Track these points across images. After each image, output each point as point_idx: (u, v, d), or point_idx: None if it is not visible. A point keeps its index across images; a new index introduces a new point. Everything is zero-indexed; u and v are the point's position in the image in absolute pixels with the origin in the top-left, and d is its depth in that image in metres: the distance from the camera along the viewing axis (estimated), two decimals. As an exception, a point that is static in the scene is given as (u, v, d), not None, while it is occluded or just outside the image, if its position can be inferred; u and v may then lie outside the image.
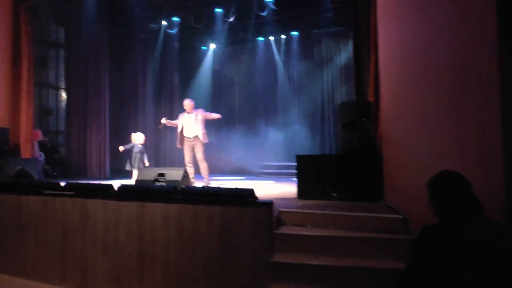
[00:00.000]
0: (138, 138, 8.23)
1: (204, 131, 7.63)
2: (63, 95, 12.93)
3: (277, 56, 13.26)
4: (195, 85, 14.41)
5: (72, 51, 11.58)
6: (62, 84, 12.97)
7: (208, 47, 14.20)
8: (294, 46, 13.00)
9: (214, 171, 9.99)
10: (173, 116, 13.65)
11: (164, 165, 12.62)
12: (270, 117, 13.33)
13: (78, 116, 11.45)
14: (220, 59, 14.24)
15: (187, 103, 7.74)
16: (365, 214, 4.03)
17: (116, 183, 4.96)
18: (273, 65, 13.39)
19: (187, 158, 7.59)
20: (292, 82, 13.25)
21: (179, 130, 7.64)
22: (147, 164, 8.10)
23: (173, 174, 5.62)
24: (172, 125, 7.91)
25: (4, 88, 8.43)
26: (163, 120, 7.82)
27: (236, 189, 4.29)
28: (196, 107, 7.85)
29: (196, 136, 7.58)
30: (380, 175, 4.81)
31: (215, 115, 7.74)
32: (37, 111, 12.06)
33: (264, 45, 13.50)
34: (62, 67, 12.88)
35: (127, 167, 8.15)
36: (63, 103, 12.88)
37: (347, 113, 5.09)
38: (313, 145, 12.32)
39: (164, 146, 13.28)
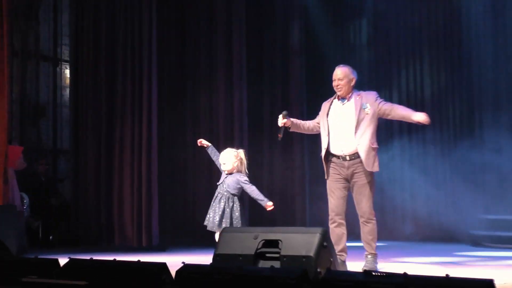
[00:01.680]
0: (225, 160, 8.56)
1: (375, 145, 7.75)
2: (67, 74, 13.58)
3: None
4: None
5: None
6: (66, 55, 13.64)
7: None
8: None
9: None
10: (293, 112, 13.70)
11: (261, 219, 12.56)
12: (488, 120, 13.22)
13: (96, 119, 11.96)
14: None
15: (341, 73, 7.85)
16: None
17: (174, 261, 5.28)
18: (488, 13, 13.09)
19: (334, 202, 7.78)
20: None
21: (322, 140, 7.94)
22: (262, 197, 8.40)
23: (296, 242, 5.77)
24: (304, 130, 8.21)
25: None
26: (282, 119, 7.93)
27: (448, 279, 4.14)
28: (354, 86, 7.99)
29: (357, 155, 7.68)
30: None
31: (419, 116, 7.61)
32: (17, 108, 12.76)
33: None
34: (65, 18, 13.55)
35: (210, 225, 8.43)
36: (67, 92, 13.50)
37: None
38: None
39: (262, 176, 13.41)
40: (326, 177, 7.82)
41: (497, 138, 12.63)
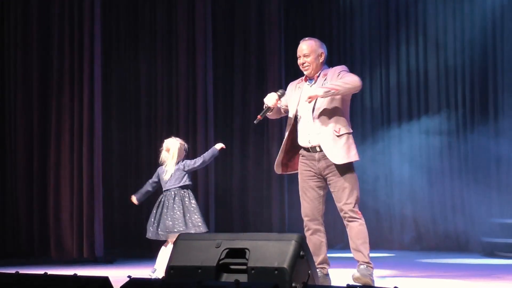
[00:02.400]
0: (170, 150, 9.19)
1: (344, 131, 7.70)
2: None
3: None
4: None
5: None
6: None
7: None
8: None
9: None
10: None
11: (230, 225, 13.08)
12: (505, 105, 13.43)
13: (25, 103, 11.94)
14: None
15: (307, 47, 7.84)
16: None
17: (120, 275, 5.81)
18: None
19: (307, 205, 7.81)
20: None
21: (287, 129, 8.06)
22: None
23: (267, 251, 5.88)
24: (279, 114, 8.32)
25: None
26: (273, 101, 7.89)
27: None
28: (329, 63, 8.14)
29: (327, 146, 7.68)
30: None
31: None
32: None
33: None
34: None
35: (150, 234, 9.13)
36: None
37: None
38: None
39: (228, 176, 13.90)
40: (281, 172, 8.04)
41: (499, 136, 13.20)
